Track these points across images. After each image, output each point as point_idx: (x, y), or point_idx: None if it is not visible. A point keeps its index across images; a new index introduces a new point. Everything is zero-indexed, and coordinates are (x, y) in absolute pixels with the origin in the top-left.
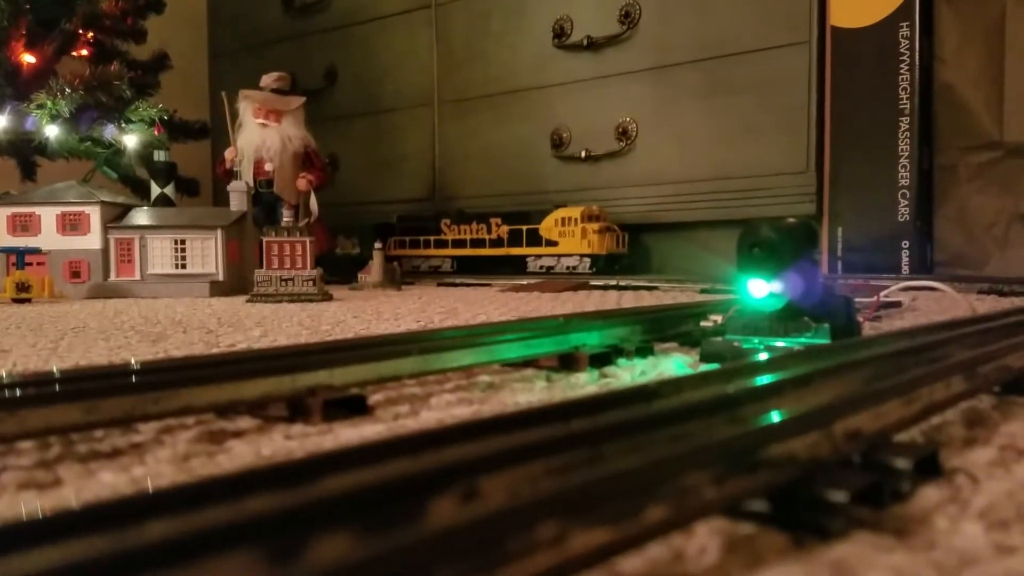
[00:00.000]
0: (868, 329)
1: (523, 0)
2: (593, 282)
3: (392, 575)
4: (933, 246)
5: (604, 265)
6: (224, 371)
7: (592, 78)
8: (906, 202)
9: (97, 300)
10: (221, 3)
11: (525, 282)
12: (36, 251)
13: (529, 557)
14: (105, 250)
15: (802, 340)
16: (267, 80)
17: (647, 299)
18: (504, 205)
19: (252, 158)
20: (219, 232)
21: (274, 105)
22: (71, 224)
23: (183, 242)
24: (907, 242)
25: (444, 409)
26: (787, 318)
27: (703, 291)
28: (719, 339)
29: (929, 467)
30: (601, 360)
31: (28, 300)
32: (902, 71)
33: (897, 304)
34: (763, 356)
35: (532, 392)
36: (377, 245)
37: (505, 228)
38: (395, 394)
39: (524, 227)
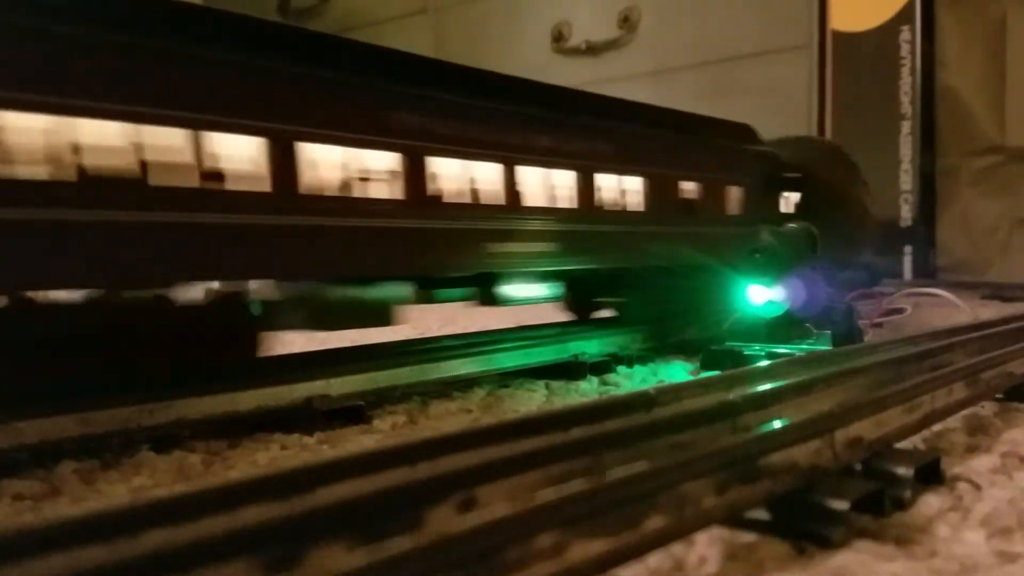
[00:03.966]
0: (871, 335)
1: (521, 4)
2: None
3: None
4: (935, 251)
5: None
6: (219, 382)
7: (591, 82)
8: (908, 207)
9: None
10: (215, 7)
11: None
12: None
13: (528, 567)
14: None
15: (804, 347)
16: None
17: None
18: None
19: None
20: None
21: None
22: None
23: None
24: (909, 247)
25: (442, 417)
26: (789, 324)
27: None
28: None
29: (931, 474)
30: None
31: None
32: (903, 75)
33: (900, 310)
34: (763, 363)
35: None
36: None
37: None
38: (393, 404)
39: None
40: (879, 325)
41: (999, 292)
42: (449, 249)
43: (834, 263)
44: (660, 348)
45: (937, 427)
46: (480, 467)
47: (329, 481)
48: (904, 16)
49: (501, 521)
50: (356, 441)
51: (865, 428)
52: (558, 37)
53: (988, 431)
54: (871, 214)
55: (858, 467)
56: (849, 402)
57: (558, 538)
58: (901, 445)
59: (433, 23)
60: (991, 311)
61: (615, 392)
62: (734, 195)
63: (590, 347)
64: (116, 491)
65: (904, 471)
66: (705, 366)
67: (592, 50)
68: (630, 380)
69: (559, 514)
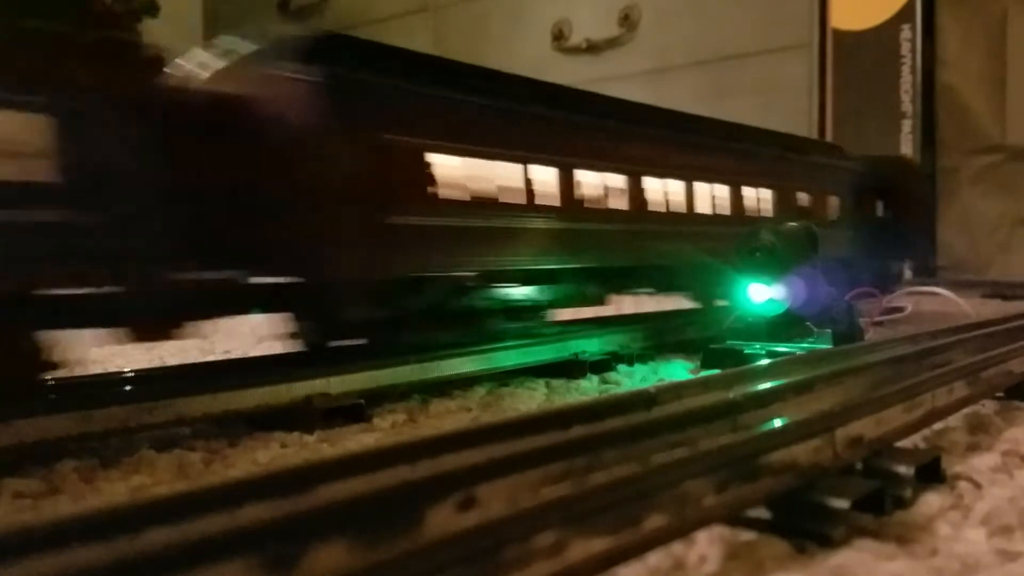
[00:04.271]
0: (871, 334)
1: (521, 3)
2: None
3: None
4: (936, 250)
5: None
6: (219, 380)
7: (591, 81)
8: None
9: None
10: (216, 7)
11: None
12: None
13: (528, 566)
14: None
15: (804, 345)
16: None
17: None
18: None
19: None
20: None
21: None
22: None
23: None
24: None
25: (442, 416)
26: (789, 323)
27: None
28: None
29: (931, 473)
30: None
31: None
32: (904, 74)
33: (900, 309)
34: (764, 362)
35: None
36: None
37: None
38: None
39: None
40: (880, 323)
41: (999, 291)
42: (652, 245)
43: (914, 254)
44: (660, 347)
45: (938, 425)
46: (480, 466)
47: (329, 480)
48: (905, 15)
49: (501, 520)
50: (356, 439)
51: (866, 427)
52: (558, 35)
53: (989, 429)
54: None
55: (859, 466)
56: (849, 401)
57: (558, 537)
58: (902, 444)
59: (433, 21)
60: (991, 310)
61: (615, 391)
62: (832, 203)
63: (590, 346)
64: (116, 489)
65: (905, 470)
66: (705, 365)
67: (592, 49)
68: (630, 378)
69: (559, 513)
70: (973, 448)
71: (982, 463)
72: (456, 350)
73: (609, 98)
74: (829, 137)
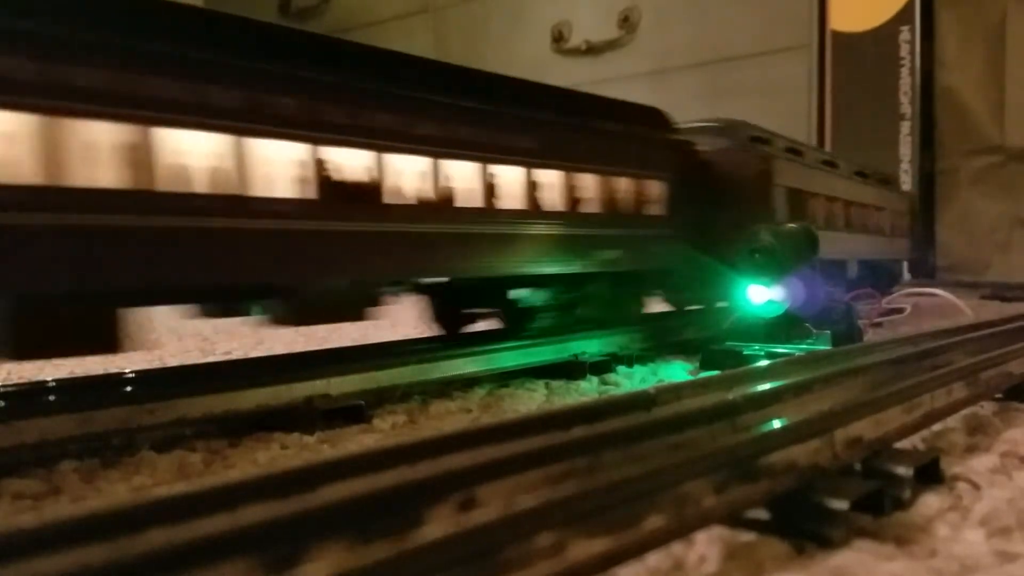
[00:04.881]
0: (870, 335)
1: (522, 4)
2: None
3: None
4: (935, 251)
5: None
6: (220, 381)
7: (591, 82)
8: None
9: None
10: (216, 7)
11: None
12: None
13: (527, 567)
14: None
15: (803, 346)
16: None
17: None
18: None
19: None
20: None
21: None
22: None
23: None
24: None
25: (442, 417)
26: (788, 324)
27: None
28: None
29: (930, 474)
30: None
31: None
32: (903, 75)
33: (900, 310)
34: (763, 363)
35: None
36: None
37: None
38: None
39: None
40: (879, 325)
41: (998, 292)
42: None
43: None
44: (660, 347)
45: (936, 427)
46: (480, 467)
47: (329, 480)
48: (904, 16)
49: (501, 520)
50: (356, 440)
51: (865, 428)
52: (558, 37)
53: (987, 431)
54: None
55: (858, 467)
56: (849, 402)
57: (558, 537)
58: (900, 445)
59: (434, 23)
60: (990, 311)
61: (615, 392)
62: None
63: (590, 347)
64: (116, 490)
65: (904, 471)
66: (705, 366)
67: (592, 50)
68: (630, 380)
69: (559, 513)
70: (972, 449)
71: (981, 464)
72: (455, 351)
73: (848, 159)
74: (828, 137)
